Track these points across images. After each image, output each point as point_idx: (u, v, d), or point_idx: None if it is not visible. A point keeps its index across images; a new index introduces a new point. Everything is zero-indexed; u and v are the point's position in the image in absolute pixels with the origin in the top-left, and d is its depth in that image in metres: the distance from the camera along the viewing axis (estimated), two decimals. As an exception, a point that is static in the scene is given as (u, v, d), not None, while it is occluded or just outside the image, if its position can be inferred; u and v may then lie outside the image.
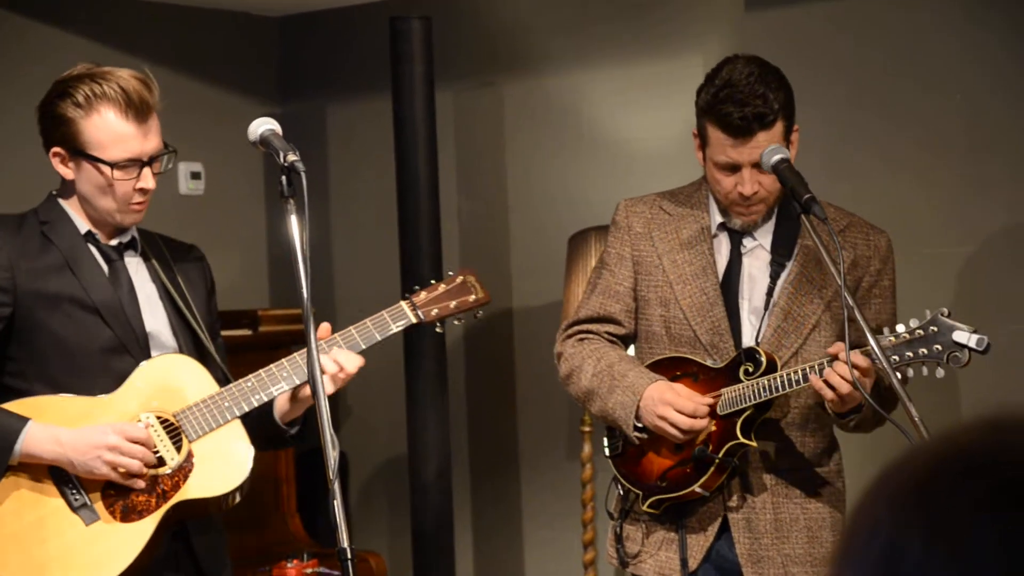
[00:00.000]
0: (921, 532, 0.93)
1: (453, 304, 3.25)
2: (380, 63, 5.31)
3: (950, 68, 4.45)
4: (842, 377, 3.02)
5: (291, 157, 2.72)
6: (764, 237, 3.31)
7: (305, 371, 2.99)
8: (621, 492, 3.42)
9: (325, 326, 3.07)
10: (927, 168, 4.51)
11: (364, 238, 5.92)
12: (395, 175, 5.12)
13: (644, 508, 3.31)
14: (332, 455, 2.54)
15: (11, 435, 2.88)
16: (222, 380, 3.13)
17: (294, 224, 2.70)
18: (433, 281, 3.31)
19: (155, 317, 3.10)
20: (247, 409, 3.04)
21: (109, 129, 2.96)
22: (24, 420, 2.90)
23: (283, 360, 3.06)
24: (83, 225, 3.07)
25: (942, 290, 4.38)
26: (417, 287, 3.28)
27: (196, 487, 3.01)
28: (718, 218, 3.33)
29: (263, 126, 2.83)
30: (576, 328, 3.45)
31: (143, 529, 2.98)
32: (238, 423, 3.05)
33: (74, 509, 2.96)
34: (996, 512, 0.92)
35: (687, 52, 4.94)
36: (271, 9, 6.03)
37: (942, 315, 3.00)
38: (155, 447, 2.99)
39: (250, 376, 3.05)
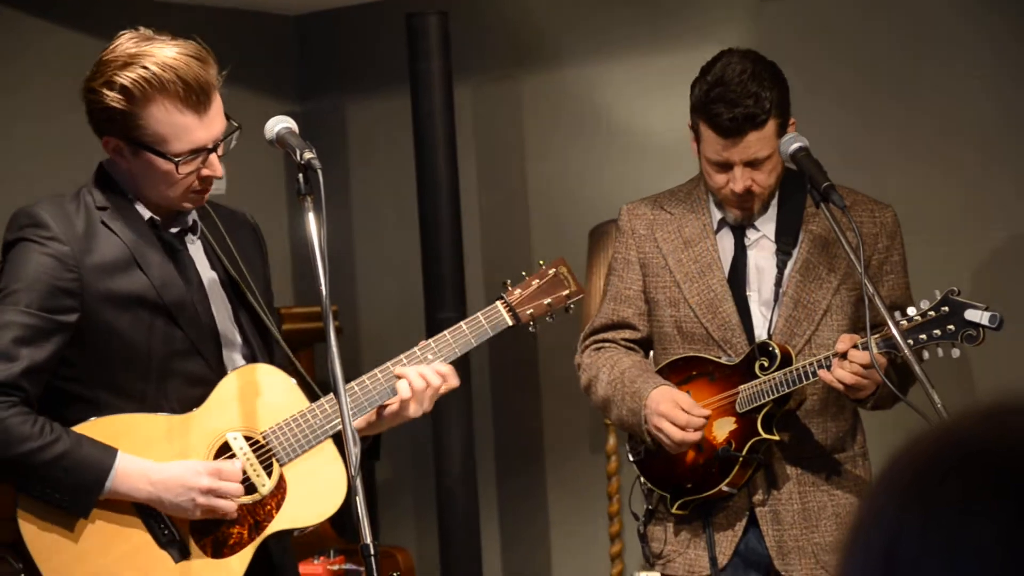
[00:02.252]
0: (919, 521, 0.93)
1: (548, 301, 3.14)
2: (397, 59, 5.32)
3: (969, 54, 4.43)
4: (847, 371, 3.03)
5: (307, 155, 2.66)
6: (767, 227, 3.30)
7: (393, 390, 2.92)
8: (645, 492, 3.42)
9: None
10: (947, 153, 4.49)
11: (385, 235, 5.92)
12: (415, 171, 5.13)
13: (674, 511, 3.31)
14: (354, 452, 2.51)
15: (102, 471, 2.70)
16: (285, 362, 2.97)
17: (312, 222, 2.64)
18: (525, 275, 3.17)
19: (223, 313, 2.90)
20: (340, 429, 2.80)
21: (170, 122, 2.70)
22: (113, 453, 2.71)
23: (376, 371, 2.93)
24: (144, 211, 2.82)
25: (962, 274, 4.36)
26: (509, 283, 3.14)
27: (289, 517, 2.86)
28: (718, 214, 3.33)
29: (279, 124, 2.78)
30: (593, 339, 3.45)
31: (237, 564, 2.82)
32: (330, 443, 2.89)
33: (162, 545, 2.79)
34: (991, 501, 0.92)
35: (705, 42, 4.92)
36: (288, 8, 6.03)
37: (952, 294, 2.99)
38: (246, 474, 2.83)
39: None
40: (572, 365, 3.53)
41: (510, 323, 3.10)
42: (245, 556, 2.83)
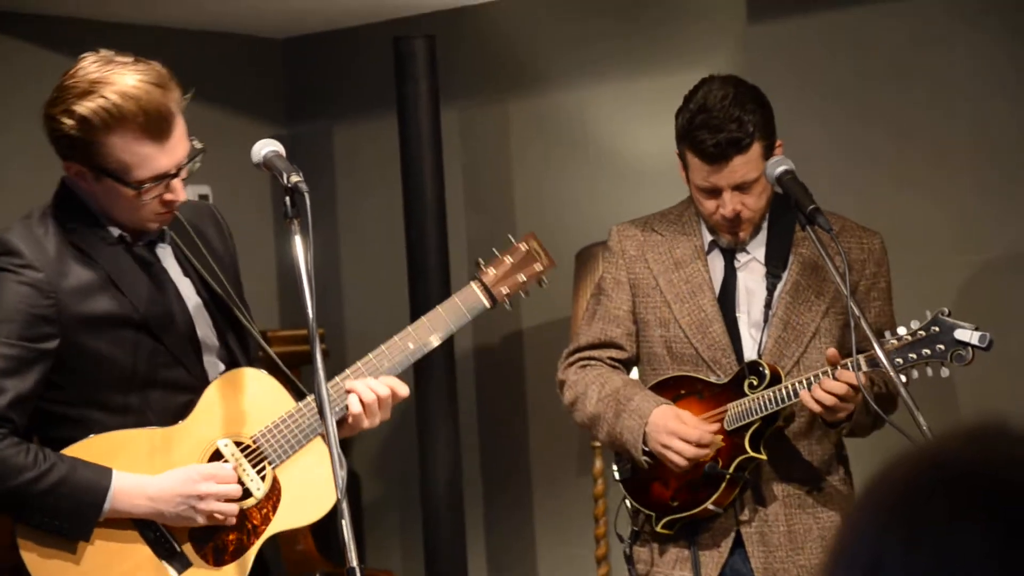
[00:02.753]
0: (901, 542, 0.94)
1: (522, 277, 3.15)
2: (385, 82, 5.33)
3: (954, 79, 4.45)
4: (827, 391, 3.04)
5: (294, 178, 2.67)
6: (757, 250, 3.32)
7: (377, 386, 2.94)
8: (631, 513, 3.42)
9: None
10: (932, 178, 4.51)
11: (372, 258, 5.92)
12: (402, 194, 5.13)
13: (658, 529, 3.31)
14: (340, 474, 2.51)
15: (99, 494, 2.71)
16: (262, 353, 2.99)
17: (298, 245, 2.66)
18: (496, 252, 3.18)
19: (200, 319, 2.90)
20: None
21: (130, 151, 2.68)
22: (108, 474, 2.72)
23: (347, 371, 2.95)
24: (113, 229, 2.81)
25: (950, 298, 4.37)
26: (482, 261, 3.15)
27: (286, 518, 2.88)
28: (708, 236, 3.34)
29: (266, 147, 2.78)
30: (578, 356, 3.45)
31: (239, 570, 2.84)
32: (320, 440, 2.90)
33: (163, 558, 2.80)
34: (980, 522, 0.92)
35: (692, 67, 4.93)
36: (275, 31, 6.04)
37: (942, 315, 3.01)
38: (240, 480, 2.85)
39: (328, 385, 2.85)
40: (557, 379, 3.53)
41: (487, 305, 3.10)
42: (246, 561, 2.85)
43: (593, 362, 3.42)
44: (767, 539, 3.26)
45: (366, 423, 2.96)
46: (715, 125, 3.12)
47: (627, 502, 3.41)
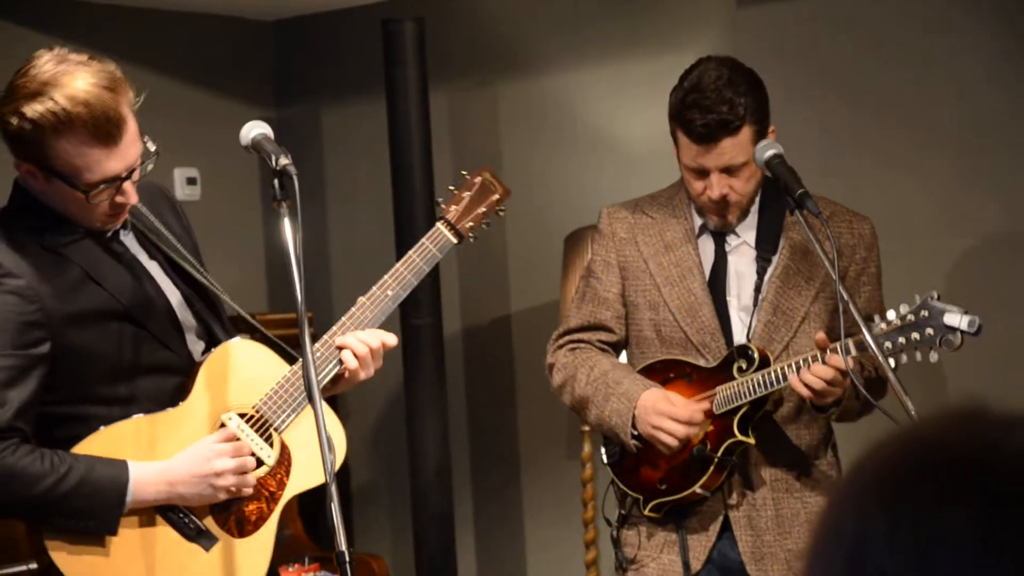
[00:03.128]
0: (884, 524, 0.94)
1: (482, 209, 3.22)
2: (374, 65, 5.32)
3: (944, 62, 4.45)
4: (815, 376, 3.04)
5: (283, 161, 2.67)
6: (747, 233, 3.31)
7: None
8: (619, 496, 3.42)
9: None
10: (921, 162, 4.51)
11: (361, 241, 5.92)
12: (390, 177, 5.13)
13: (646, 513, 3.31)
14: (329, 458, 2.53)
15: (120, 487, 2.73)
16: (227, 322, 3.01)
17: (287, 227, 2.66)
18: (453, 189, 3.24)
19: (174, 298, 2.91)
20: (325, 382, 2.96)
21: (80, 155, 2.66)
22: (124, 467, 2.74)
23: (317, 345, 2.96)
24: (78, 224, 2.81)
25: (938, 282, 4.38)
26: (441, 200, 3.21)
27: (301, 480, 2.93)
28: (699, 219, 3.34)
29: (254, 130, 2.78)
30: (567, 338, 3.45)
31: (265, 537, 2.90)
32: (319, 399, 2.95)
33: (190, 538, 2.84)
34: (962, 500, 0.92)
35: (681, 50, 4.94)
36: (264, 13, 6.03)
37: (932, 299, 3.00)
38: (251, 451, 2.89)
39: (317, 345, 2.95)
40: (545, 363, 3.53)
41: (455, 241, 3.17)
42: (271, 527, 2.91)
43: (583, 345, 3.42)
44: (755, 523, 3.26)
45: (362, 375, 3.01)
46: (706, 106, 3.12)
47: (615, 486, 3.41)
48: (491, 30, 5.55)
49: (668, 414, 3.18)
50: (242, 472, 2.84)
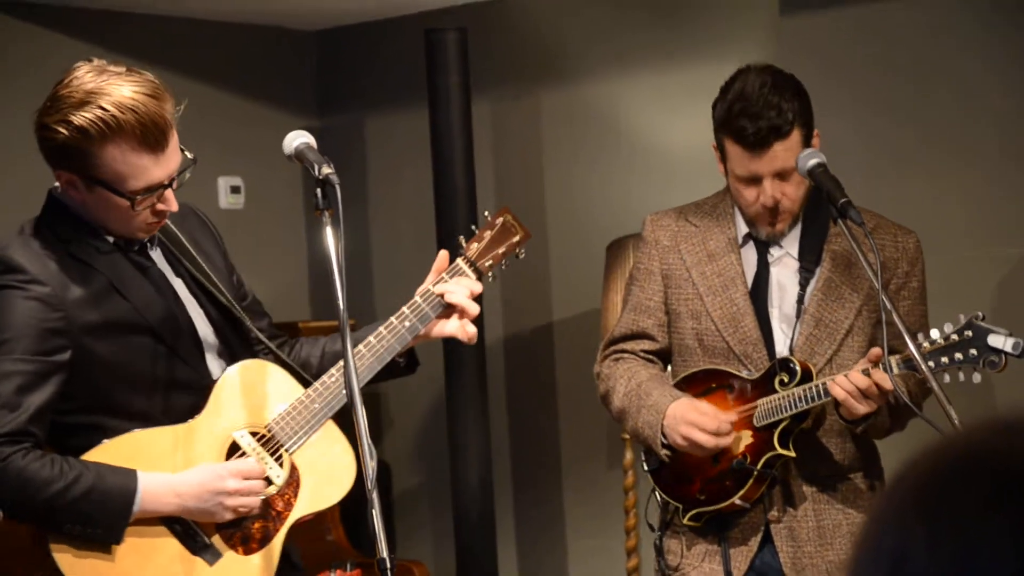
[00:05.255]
0: (924, 536, 0.93)
1: (502, 250, 3.20)
2: (416, 75, 5.34)
3: (982, 71, 4.43)
4: (855, 384, 3.03)
5: (325, 170, 2.68)
6: (791, 245, 3.30)
7: (385, 349, 2.98)
8: (661, 504, 3.42)
9: (443, 255, 3.10)
10: (968, 170, 4.48)
11: (403, 249, 5.94)
12: (433, 186, 5.14)
13: (685, 521, 3.31)
14: (370, 465, 2.53)
15: (128, 496, 2.74)
16: (261, 345, 3.02)
17: (330, 236, 2.67)
18: (475, 229, 3.23)
19: (197, 316, 2.93)
20: (337, 409, 2.93)
21: (126, 162, 2.70)
22: (133, 476, 2.75)
23: (360, 347, 2.96)
24: (108, 236, 2.85)
25: (977, 294, 4.36)
26: (462, 238, 3.20)
27: (308, 502, 2.92)
28: (744, 228, 3.33)
29: (297, 139, 2.79)
30: (612, 348, 3.46)
31: (269, 557, 2.89)
32: (331, 423, 2.95)
33: (194, 552, 2.84)
34: (1003, 510, 0.92)
35: (724, 57, 4.93)
36: (308, 23, 6.06)
37: (977, 319, 2.98)
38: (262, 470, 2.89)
39: (332, 372, 2.95)
40: (589, 379, 3.54)
41: (474, 278, 3.13)
42: (275, 547, 2.89)
43: (626, 355, 3.43)
44: (796, 534, 3.25)
45: (454, 327, 3.05)
46: (755, 112, 3.12)
47: (656, 493, 3.41)
48: (533, 39, 5.56)
49: (697, 424, 3.18)
50: (252, 494, 2.84)
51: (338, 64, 6.13)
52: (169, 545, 2.82)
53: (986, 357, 2.96)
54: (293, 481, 2.92)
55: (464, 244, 3.18)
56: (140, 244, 2.89)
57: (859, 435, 3.24)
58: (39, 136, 2.75)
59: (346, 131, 6.09)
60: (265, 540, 2.89)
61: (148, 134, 2.69)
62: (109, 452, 2.79)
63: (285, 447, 2.91)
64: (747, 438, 3.23)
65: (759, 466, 3.19)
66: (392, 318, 3.03)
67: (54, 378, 2.74)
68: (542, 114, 5.57)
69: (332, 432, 2.95)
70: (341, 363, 2.94)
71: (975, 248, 4.44)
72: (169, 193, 2.79)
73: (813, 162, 3.12)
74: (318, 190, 2.69)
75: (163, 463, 2.81)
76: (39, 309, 2.73)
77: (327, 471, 2.93)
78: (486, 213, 3.27)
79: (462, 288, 3.04)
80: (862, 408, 3.07)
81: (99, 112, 2.67)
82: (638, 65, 5.29)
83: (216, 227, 3.13)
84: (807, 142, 3.18)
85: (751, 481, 3.20)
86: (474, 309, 3.05)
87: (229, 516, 2.83)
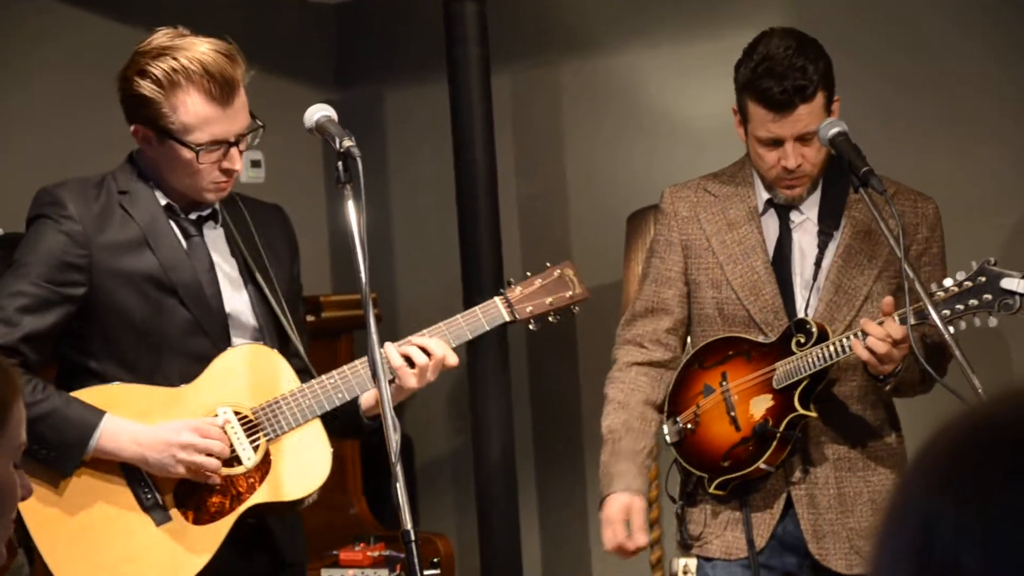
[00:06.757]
0: (953, 503, 0.94)
1: (549, 300, 3.19)
2: (436, 47, 5.33)
3: (1005, 43, 4.41)
4: (877, 337, 3.02)
5: (347, 143, 2.69)
6: (811, 209, 3.30)
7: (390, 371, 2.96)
8: (683, 475, 3.43)
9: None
10: (995, 132, 4.47)
11: (424, 222, 5.94)
12: (453, 158, 5.14)
13: (711, 491, 3.31)
14: (394, 438, 2.52)
15: (87, 429, 2.80)
16: (300, 367, 3.03)
17: (351, 210, 2.67)
18: (529, 274, 3.22)
19: (236, 297, 2.99)
20: (328, 408, 2.96)
21: (194, 112, 2.83)
22: (100, 414, 2.82)
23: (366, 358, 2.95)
24: (162, 197, 2.95)
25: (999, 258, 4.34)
26: (512, 280, 3.19)
27: (271, 491, 2.91)
28: (764, 195, 3.32)
29: (318, 112, 2.80)
30: (628, 336, 3.46)
31: (215, 533, 2.88)
32: (318, 422, 2.97)
33: (145, 508, 2.88)
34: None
35: (744, 27, 4.90)
36: (327, -4, 6.05)
37: (988, 264, 2.99)
38: (231, 445, 2.90)
39: (334, 373, 2.97)
40: (610, 351, 3.54)
41: (507, 318, 3.15)
42: (224, 525, 2.90)
43: (636, 353, 3.42)
44: (816, 501, 3.25)
45: (412, 382, 3.04)
46: (780, 72, 3.11)
47: (678, 464, 3.41)
48: (553, 10, 5.54)
49: (611, 527, 3.31)
50: (207, 454, 2.85)
51: (358, 37, 6.12)
52: (122, 495, 2.88)
53: (1001, 300, 2.97)
54: (263, 467, 2.93)
55: (510, 284, 3.18)
56: (198, 216, 2.98)
57: (889, 392, 3.23)
58: (120, 89, 2.90)
59: (366, 104, 6.08)
60: (218, 516, 2.90)
61: (216, 85, 2.84)
62: (94, 395, 2.87)
63: (265, 433, 2.94)
64: (768, 401, 3.23)
65: (781, 428, 3.19)
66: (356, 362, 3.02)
67: (59, 308, 2.85)
68: (562, 86, 5.55)
69: (316, 431, 2.97)
70: (342, 366, 2.99)
71: (995, 216, 4.43)
72: (235, 152, 2.90)
73: (835, 130, 3.12)
74: (339, 163, 2.70)
75: (139, 418, 2.86)
76: (65, 242, 2.86)
77: (298, 467, 2.94)
78: (548, 264, 3.25)
79: (418, 354, 3.02)
80: (888, 365, 3.06)
81: (172, 63, 2.83)
82: (658, 36, 5.27)
83: (295, 238, 3.21)
84: (829, 106, 3.18)
85: (775, 444, 3.20)
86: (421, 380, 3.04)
87: (182, 471, 2.84)
